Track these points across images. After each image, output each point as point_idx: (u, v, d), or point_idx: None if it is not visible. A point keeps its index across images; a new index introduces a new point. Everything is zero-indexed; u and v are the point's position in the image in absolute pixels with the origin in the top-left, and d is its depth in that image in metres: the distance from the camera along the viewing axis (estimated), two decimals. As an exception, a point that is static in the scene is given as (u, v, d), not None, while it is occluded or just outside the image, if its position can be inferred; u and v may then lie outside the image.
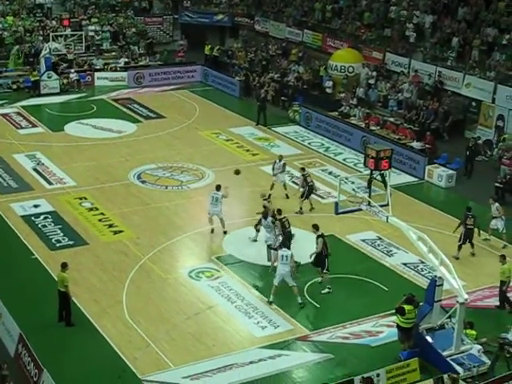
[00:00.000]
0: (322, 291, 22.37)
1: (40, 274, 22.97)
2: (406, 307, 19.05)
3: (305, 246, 23.38)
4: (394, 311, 19.62)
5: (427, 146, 33.91)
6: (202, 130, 36.98)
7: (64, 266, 20.54)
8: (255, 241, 25.30)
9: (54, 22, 48.33)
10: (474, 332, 19.72)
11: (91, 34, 48.45)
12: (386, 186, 21.59)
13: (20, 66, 44.38)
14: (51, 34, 44.08)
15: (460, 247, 24.57)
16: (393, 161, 21.75)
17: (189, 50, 50.40)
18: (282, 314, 21.34)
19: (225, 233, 26.01)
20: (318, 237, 22.47)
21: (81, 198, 28.69)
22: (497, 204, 26.08)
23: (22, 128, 36.74)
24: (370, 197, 21.36)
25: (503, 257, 22.16)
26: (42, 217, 26.98)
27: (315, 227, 22.78)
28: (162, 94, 43.84)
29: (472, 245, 24.87)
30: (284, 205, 26.69)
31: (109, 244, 24.91)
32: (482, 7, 39.19)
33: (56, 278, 20.95)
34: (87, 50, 46.96)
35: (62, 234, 25.69)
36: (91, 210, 27.79)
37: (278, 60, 46.45)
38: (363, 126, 36.47)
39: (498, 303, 21.89)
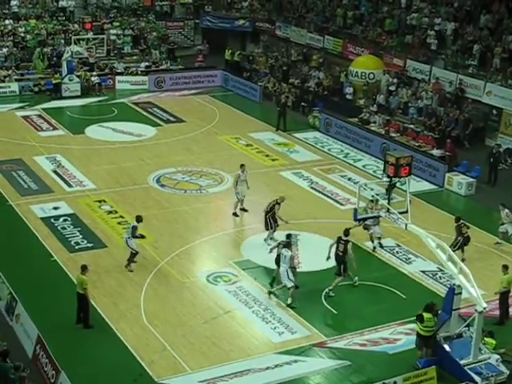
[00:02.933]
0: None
1: (59, 276, 23.07)
2: (425, 315, 18.96)
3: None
4: (412, 319, 19.56)
5: (447, 153, 33.79)
6: (221, 135, 37.04)
7: (84, 268, 20.61)
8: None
9: (76, 26, 48.64)
10: (493, 341, 19.59)
11: (113, 37, 48.70)
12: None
13: (43, 68, 44.61)
14: (73, 38, 44.33)
15: (463, 250, 24.52)
16: (413, 168, 21.71)
17: (209, 55, 50.59)
18: (300, 319, 21.30)
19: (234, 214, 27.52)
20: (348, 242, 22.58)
21: (100, 201, 28.80)
22: (507, 210, 26.13)
23: (42, 130, 36.96)
24: (389, 204, 21.31)
25: (505, 267, 21.67)
26: (61, 219, 27.11)
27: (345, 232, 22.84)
28: (182, 98, 43.96)
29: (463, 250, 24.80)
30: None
31: (127, 247, 24.95)
32: (505, 15, 39.02)
33: (75, 280, 21.04)
34: (108, 54, 47.22)
35: (81, 237, 25.80)
36: (110, 212, 27.89)
37: (298, 66, 46.47)
38: (383, 132, 36.41)
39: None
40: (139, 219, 23.75)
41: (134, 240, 23.50)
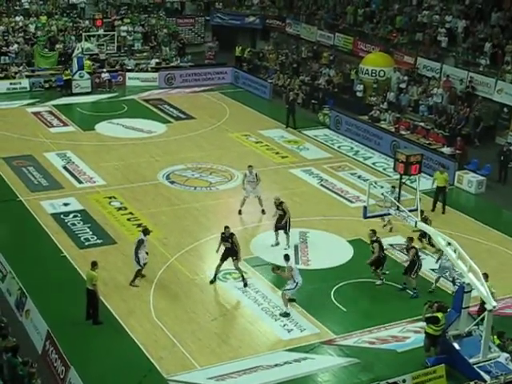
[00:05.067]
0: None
1: (68, 272, 23.11)
2: (440, 315, 18.93)
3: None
4: (424, 322, 19.43)
5: (457, 151, 33.69)
6: (231, 132, 37.04)
7: (94, 264, 20.61)
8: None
9: (86, 22, 48.71)
10: (497, 341, 19.46)
11: (123, 34, 48.74)
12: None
13: (45, 56, 44.79)
14: (84, 34, 44.43)
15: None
16: (423, 166, 21.67)
17: (220, 52, 50.55)
18: (309, 317, 21.29)
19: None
20: (373, 242, 22.73)
21: (110, 197, 28.86)
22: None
23: (53, 127, 37.05)
24: (398, 201, 21.27)
25: (486, 275, 20.21)
26: (71, 215, 27.17)
27: (373, 232, 22.94)
28: (192, 95, 43.98)
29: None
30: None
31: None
32: (516, 12, 38.93)
33: (84, 277, 21.08)
34: (119, 51, 47.29)
35: (90, 233, 25.85)
36: (120, 209, 27.94)
37: (308, 63, 46.44)
38: (393, 130, 36.34)
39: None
40: (146, 232, 22.78)
41: (141, 254, 22.40)
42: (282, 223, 24.90)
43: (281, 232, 25.11)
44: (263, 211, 27.45)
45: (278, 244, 25.16)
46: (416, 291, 22.41)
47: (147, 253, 22.58)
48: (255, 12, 52.63)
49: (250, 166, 27.75)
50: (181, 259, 24.28)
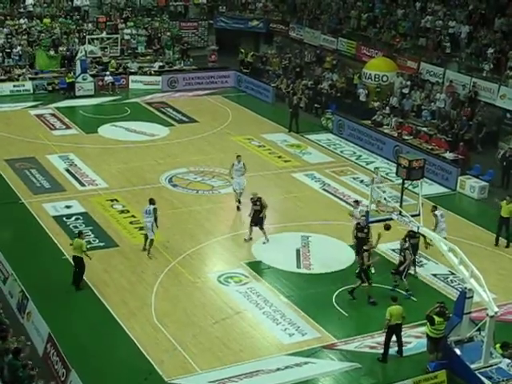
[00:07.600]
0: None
1: (70, 274, 23.04)
2: (436, 318, 18.95)
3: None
4: (423, 322, 19.51)
5: (460, 156, 33.68)
6: (234, 136, 37.05)
7: (80, 233, 22.68)
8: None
9: (90, 25, 48.75)
10: (500, 351, 19.39)
11: (127, 37, 48.77)
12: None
13: (49, 59, 44.92)
14: (87, 37, 44.47)
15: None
16: (425, 171, 21.67)
17: (223, 56, 50.53)
18: (310, 321, 21.28)
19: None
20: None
21: (112, 200, 28.87)
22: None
23: (55, 129, 37.07)
24: (401, 206, 21.26)
25: (394, 299, 20.03)
26: (73, 218, 27.17)
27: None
28: (195, 98, 44.00)
29: None
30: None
31: (139, 246, 25.01)
32: (520, 18, 38.91)
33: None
34: (122, 53, 47.33)
35: (92, 236, 25.83)
36: (122, 212, 27.95)
37: (311, 67, 46.45)
38: (396, 135, 36.33)
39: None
40: (153, 201, 24.57)
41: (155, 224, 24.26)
42: (259, 217, 25.45)
43: (255, 228, 25.64)
44: (238, 208, 27.94)
45: (251, 239, 25.66)
46: (409, 292, 22.63)
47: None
48: (259, 16, 52.63)
49: (238, 156, 28.36)
50: (183, 262, 24.28)
